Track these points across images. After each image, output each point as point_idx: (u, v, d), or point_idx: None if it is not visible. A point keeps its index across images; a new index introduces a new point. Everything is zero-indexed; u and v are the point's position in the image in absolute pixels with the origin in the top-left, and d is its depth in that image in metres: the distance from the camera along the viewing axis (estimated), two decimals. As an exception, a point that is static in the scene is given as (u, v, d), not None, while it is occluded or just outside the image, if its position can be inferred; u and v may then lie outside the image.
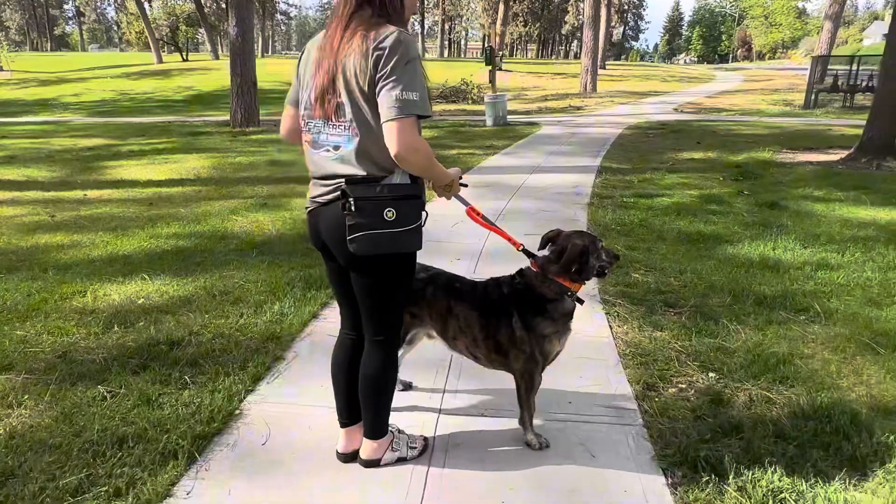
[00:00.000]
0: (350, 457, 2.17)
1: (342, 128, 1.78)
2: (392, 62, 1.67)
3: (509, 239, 2.25)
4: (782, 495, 1.97)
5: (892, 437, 2.26)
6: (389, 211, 1.76)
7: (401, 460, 2.15)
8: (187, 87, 28.41)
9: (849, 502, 1.96)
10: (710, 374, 2.79)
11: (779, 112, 17.35)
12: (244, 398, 2.57)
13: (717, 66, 68.52)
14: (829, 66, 19.76)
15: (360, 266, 1.87)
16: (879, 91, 8.58)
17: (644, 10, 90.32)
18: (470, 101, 21.81)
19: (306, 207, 1.96)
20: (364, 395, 2.07)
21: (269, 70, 31.05)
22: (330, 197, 1.83)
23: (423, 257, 2.18)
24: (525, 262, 2.27)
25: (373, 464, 2.13)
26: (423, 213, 1.88)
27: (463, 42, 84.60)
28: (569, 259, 2.10)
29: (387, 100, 1.67)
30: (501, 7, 33.06)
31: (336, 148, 1.80)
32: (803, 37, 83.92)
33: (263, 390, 2.65)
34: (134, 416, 2.40)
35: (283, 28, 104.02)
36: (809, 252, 4.47)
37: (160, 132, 14.40)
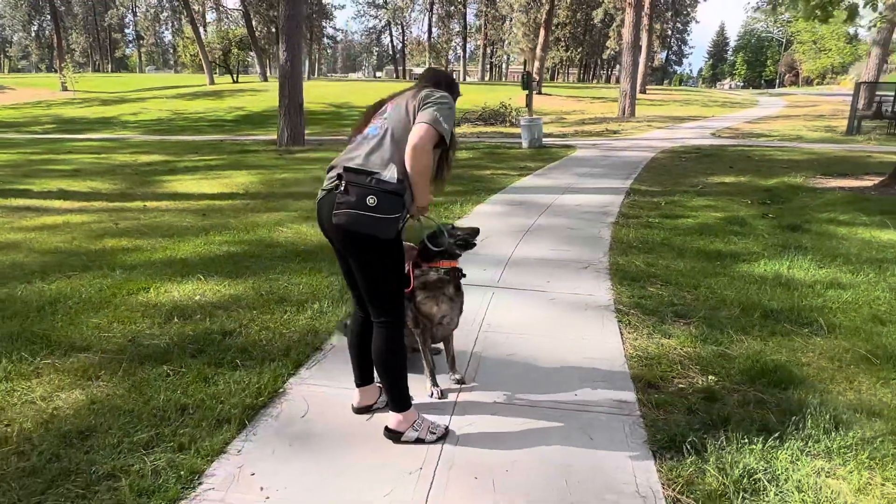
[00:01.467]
0: (362, 410, 2.63)
1: (377, 125, 2.31)
2: (436, 100, 2.27)
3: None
4: (757, 475, 2.21)
5: (869, 434, 2.46)
6: (371, 198, 2.14)
7: (419, 441, 2.43)
8: (237, 108, 29.67)
9: (818, 485, 2.18)
10: (710, 377, 3.02)
11: (819, 138, 17.16)
12: (286, 380, 2.93)
13: (762, 91, 67.43)
14: (876, 92, 19.47)
15: (346, 244, 2.25)
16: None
17: (688, 35, 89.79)
18: (508, 124, 22.25)
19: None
20: (379, 373, 2.44)
21: (316, 93, 32.16)
22: (332, 185, 2.24)
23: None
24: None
25: (394, 435, 2.43)
26: (403, 210, 2.23)
27: (504, 66, 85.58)
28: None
29: (424, 114, 2.22)
30: (542, 32, 33.66)
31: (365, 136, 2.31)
32: (854, 62, 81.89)
33: (303, 374, 3.01)
34: (192, 390, 2.79)
35: (329, 52, 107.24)
36: (824, 272, 4.62)
37: (212, 150, 15.23)
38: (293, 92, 15.30)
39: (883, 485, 2.19)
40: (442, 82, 2.43)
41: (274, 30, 52.96)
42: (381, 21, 78.48)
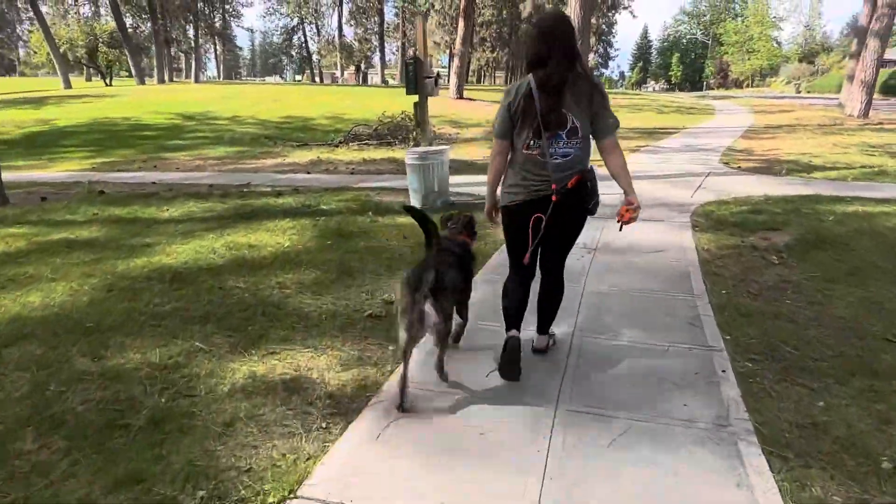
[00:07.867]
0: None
1: None
2: None
3: None
4: None
5: None
6: None
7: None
8: (45, 121, 21.34)
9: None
10: None
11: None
12: None
13: (697, 94, 63.48)
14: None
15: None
16: None
17: (614, 37, 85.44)
18: (411, 143, 15.24)
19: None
20: (552, 309, 3.43)
21: (183, 98, 24.31)
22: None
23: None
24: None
25: (544, 351, 3.50)
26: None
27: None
28: None
29: None
30: (461, 22, 26.75)
31: None
32: (781, 64, 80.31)
33: None
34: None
35: (237, 52, 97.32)
36: None
37: None
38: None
39: None
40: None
41: (152, 24, 44.17)
42: (293, 20, 69.56)
